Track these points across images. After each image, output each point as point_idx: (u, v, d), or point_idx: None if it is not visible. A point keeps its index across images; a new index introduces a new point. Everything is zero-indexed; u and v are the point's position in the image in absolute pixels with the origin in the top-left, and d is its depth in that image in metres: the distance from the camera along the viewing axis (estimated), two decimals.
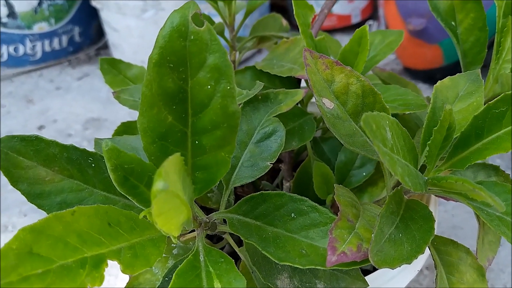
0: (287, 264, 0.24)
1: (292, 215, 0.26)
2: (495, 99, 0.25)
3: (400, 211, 0.26)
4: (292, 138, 0.35)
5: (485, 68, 0.36)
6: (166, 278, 0.27)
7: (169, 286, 0.23)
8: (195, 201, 0.35)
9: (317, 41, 0.35)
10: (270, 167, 0.31)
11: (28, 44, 1.01)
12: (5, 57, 1.02)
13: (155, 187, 0.18)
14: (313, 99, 0.42)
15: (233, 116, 0.22)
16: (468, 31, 0.36)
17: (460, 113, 0.29)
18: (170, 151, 0.23)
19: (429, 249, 0.29)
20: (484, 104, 0.28)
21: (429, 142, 0.25)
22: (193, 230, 0.29)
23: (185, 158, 0.24)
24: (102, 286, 0.22)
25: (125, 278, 0.42)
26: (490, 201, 0.21)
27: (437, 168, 0.27)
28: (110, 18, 0.91)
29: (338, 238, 0.23)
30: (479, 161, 0.33)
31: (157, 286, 0.28)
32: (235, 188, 0.40)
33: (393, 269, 0.23)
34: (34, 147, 0.26)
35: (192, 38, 0.21)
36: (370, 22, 0.95)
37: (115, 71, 0.44)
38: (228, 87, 0.22)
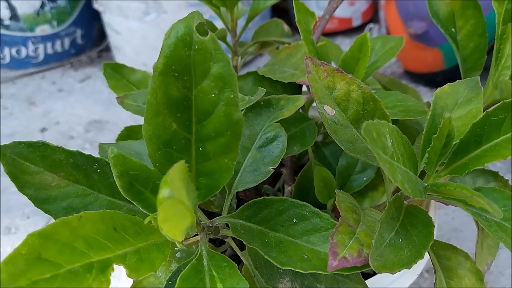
0: (289, 268, 0.25)
1: (294, 220, 0.27)
2: (494, 106, 0.25)
3: (400, 216, 0.26)
4: (294, 143, 0.35)
5: (485, 71, 0.36)
6: (170, 282, 0.28)
7: None
8: (198, 206, 0.36)
9: (318, 48, 0.35)
10: (272, 172, 0.31)
11: (31, 47, 1.02)
12: (7, 59, 1.02)
13: (161, 195, 0.19)
14: (314, 104, 0.43)
15: (237, 124, 0.23)
16: (468, 38, 0.36)
17: (459, 120, 0.29)
18: (174, 158, 0.24)
19: (429, 254, 0.29)
20: (483, 110, 0.29)
21: (428, 149, 0.25)
22: (196, 234, 0.30)
23: (189, 165, 0.25)
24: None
25: (128, 280, 0.42)
26: (488, 208, 0.21)
27: (436, 174, 0.28)
28: (112, 20, 0.92)
29: (339, 243, 0.24)
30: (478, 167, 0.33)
31: None
32: (237, 192, 0.40)
33: (393, 274, 0.24)
34: (41, 153, 0.27)
35: (196, 47, 0.22)
36: (371, 25, 0.96)
37: (119, 76, 0.44)
38: (232, 96, 0.22)
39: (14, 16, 1.00)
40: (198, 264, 0.26)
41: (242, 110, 0.34)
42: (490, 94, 0.35)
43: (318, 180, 0.36)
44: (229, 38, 0.43)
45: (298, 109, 0.40)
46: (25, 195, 0.26)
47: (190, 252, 0.34)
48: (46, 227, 0.22)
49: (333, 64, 0.36)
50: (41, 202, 0.27)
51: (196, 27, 0.23)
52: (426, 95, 0.84)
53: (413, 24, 0.78)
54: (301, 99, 0.34)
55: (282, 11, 1.04)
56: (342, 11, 1.01)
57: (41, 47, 1.03)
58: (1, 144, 0.26)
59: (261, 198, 0.28)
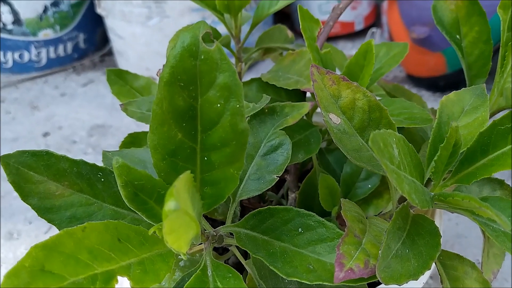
0: (295, 279, 0.25)
1: (299, 230, 0.26)
2: (501, 116, 0.25)
3: (407, 226, 0.26)
4: (298, 151, 0.35)
5: (491, 76, 0.36)
6: None
7: None
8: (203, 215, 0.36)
9: (322, 55, 0.35)
10: (277, 180, 0.31)
11: (33, 51, 1.02)
12: (10, 63, 1.02)
13: (167, 207, 0.18)
14: (318, 110, 0.43)
15: (242, 134, 0.23)
16: (473, 44, 0.36)
17: (465, 128, 0.29)
18: (179, 168, 0.24)
19: (435, 263, 0.29)
20: (489, 118, 0.28)
21: (435, 158, 0.25)
22: (201, 243, 0.29)
23: (194, 174, 0.24)
24: None
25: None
26: (496, 219, 0.21)
27: (443, 183, 0.27)
28: (115, 25, 0.92)
29: (345, 254, 0.24)
30: None
31: None
32: (241, 199, 0.40)
33: (400, 285, 0.23)
34: (45, 162, 0.26)
35: (202, 57, 0.21)
36: (374, 29, 0.96)
37: (122, 82, 0.44)
38: (238, 106, 0.22)
39: (17, 21, 1.00)
40: (203, 275, 0.25)
41: (246, 118, 0.34)
42: (495, 102, 0.35)
43: (322, 187, 0.35)
44: (232, 44, 0.43)
45: (302, 116, 0.40)
46: (28, 204, 0.26)
47: (194, 260, 0.34)
48: (50, 239, 0.21)
49: (337, 71, 0.36)
50: (45, 211, 0.27)
51: (202, 36, 0.22)
52: (429, 99, 0.84)
53: (416, 28, 0.78)
54: (306, 107, 0.34)
55: (284, 16, 1.04)
56: (345, 15, 1.01)
57: (43, 52, 1.03)
58: (5, 150, 0.26)
59: (266, 207, 0.28)
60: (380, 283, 0.32)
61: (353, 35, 1.03)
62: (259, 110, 0.33)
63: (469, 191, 0.31)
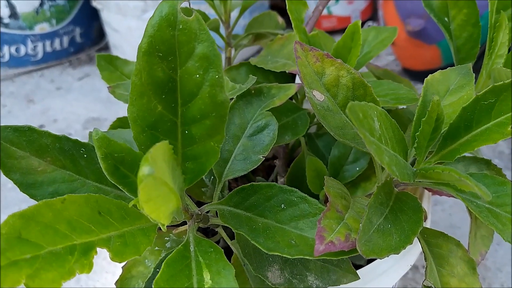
0: (276, 254, 0.24)
1: (282, 206, 0.26)
2: (484, 90, 0.25)
3: (390, 202, 0.26)
4: (285, 133, 0.35)
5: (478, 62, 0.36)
6: (158, 269, 0.27)
7: (158, 275, 0.23)
8: (188, 195, 0.36)
9: (310, 37, 0.35)
10: (263, 160, 0.31)
11: (30, 45, 1.02)
12: (6, 57, 1.02)
13: (141, 172, 0.18)
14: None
15: (222, 105, 0.23)
16: (461, 27, 0.36)
17: (450, 107, 0.29)
18: (160, 141, 0.24)
19: (420, 242, 0.29)
20: None
21: (417, 133, 0.25)
22: (185, 222, 0.29)
23: (175, 148, 0.24)
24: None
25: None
26: (476, 190, 0.21)
27: (427, 160, 0.27)
28: (110, 18, 0.92)
29: (326, 227, 0.23)
30: (470, 155, 0.33)
31: (147, 278, 0.28)
32: (229, 183, 0.40)
33: (381, 259, 0.23)
34: (27, 137, 0.26)
35: (181, 27, 0.21)
36: (370, 23, 0.96)
37: (112, 68, 0.44)
38: (217, 76, 0.22)
39: (13, 15, 1.00)
40: (185, 250, 0.25)
41: (232, 99, 0.34)
42: (484, 84, 0.35)
43: (310, 170, 0.35)
44: (222, 30, 0.43)
45: (291, 100, 0.40)
46: (11, 179, 0.26)
47: (180, 242, 0.34)
48: (28, 208, 0.21)
49: None
50: (27, 187, 0.26)
51: (182, 11, 0.22)
52: None
53: (411, 21, 0.78)
54: (293, 88, 0.33)
55: (280, 11, 1.04)
56: (341, 10, 1.01)
57: (40, 46, 1.03)
58: None
59: (249, 184, 0.28)
60: (365, 265, 0.32)
61: None
62: (246, 91, 0.33)
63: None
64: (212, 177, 0.37)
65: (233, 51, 0.44)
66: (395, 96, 0.32)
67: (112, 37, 0.96)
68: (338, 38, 0.35)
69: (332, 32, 1.03)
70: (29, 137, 0.26)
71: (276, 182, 0.41)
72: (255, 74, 0.39)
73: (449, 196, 0.34)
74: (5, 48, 1.02)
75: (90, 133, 0.33)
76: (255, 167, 0.31)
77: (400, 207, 0.26)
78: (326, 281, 0.27)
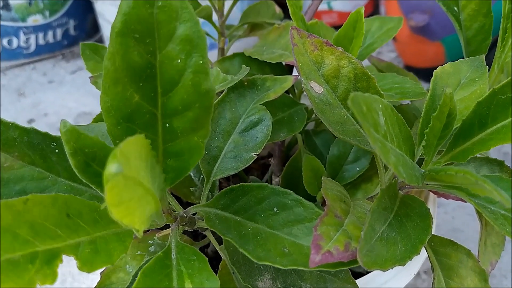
0: (267, 264, 0.22)
1: (275, 209, 0.24)
2: (501, 83, 0.22)
3: (394, 207, 0.23)
4: (281, 129, 0.32)
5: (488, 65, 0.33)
6: (136, 278, 0.25)
7: (133, 286, 0.21)
8: (174, 195, 0.33)
9: (309, 25, 0.32)
10: (255, 158, 0.28)
11: (22, 37, 0.99)
12: None
13: (107, 171, 0.16)
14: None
15: (207, 95, 0.20)
16: (472, 17, 0.33)
17: (462, 102, 0.26)
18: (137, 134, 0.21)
19: (426, 250, 0.27)
20: None
21: (427, 130, 0.22)
22: (168, 225, 0.27)
23: (155, 143, 0.22)
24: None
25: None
26: (495, 195, 0.18)
27: (436, 161, 0.25)
28: (104, 10, 0.89)
29: (323, 235, 0.21)
30: (482, 156, 0.30)
31: (126, 285, 0.26)
32: (220, 182, 0.38)
33: (384, 271, 0.21)
34: None
35: (160, 4, 0.19)
36: None
37: (98, 58, 0.41)
38: (201, 62, 0.19)
39: (5, 6, 0.97)
40: (165, 258, 0.23)
41: (223, 91, 0.31)
42: (495, 78, 0.32)
43: (307, 170, 0.33)
44: (215, 19, 0.40)
45: (288, 94, 0.37)
46: None
47: (165, 246, 0.31)
48: None
49: None
50: None
51: None
52: None
53: (415, 16, 0.75)
54: (289, 80, 0.31)
55: (280, 5, 1.02)
56: (343, 5, 0.98)
57: (32, 38, 1.00)
58: None
59: (238, 184, 0.25)
60: (365, 273, 0.29)
61: None
62: (238, 83, 0.30)
63: None
64: (202, 176, 0.34)
65: (227, 42, 0.41)
66: (401, 90, 0.29)
67: (107, 30, 0.93)
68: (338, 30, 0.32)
69: (333, 27, 1.00)
70: None
71: (271, 181, 0.39)
72: (249, 65, 0.36)
73: (456, 200, 0.31)
74: None
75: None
76: (246, 165, 0.28)
77: (406, 213, 0.23)
78: None
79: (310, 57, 0.25)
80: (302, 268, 0.22)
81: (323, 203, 0.34)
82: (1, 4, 0.97)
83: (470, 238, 0.59)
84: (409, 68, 0.85)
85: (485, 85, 0.26)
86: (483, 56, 0.28)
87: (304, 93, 0.40)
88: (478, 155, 0.29)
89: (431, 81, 0.26)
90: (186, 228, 0.28)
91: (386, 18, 0.37)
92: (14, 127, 0.24)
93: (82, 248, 0.20)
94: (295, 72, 0.38)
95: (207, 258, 0.22)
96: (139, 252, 0.30)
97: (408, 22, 0.77)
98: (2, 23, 0.98)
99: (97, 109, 0.86)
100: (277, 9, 0.43)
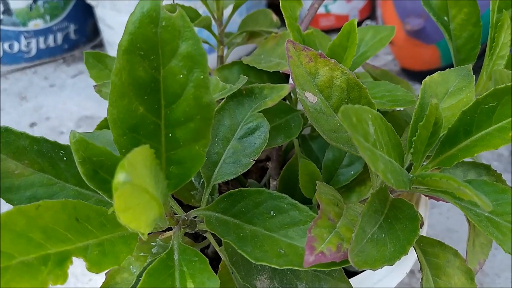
0: (264, 264, 0.23)
1: (272, 213, 0.25)
2: (485, 93, 0.24)
3: (385, 210, 0.25)
4: (278, 135, 0.33)
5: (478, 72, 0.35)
6: (140, 278, 0.26)
7: (138, 286, 0.22)
8: (175, 199, 0.34)
9: (305, 35, 0.34)
10: (253, 163, 0.30)
11: (23, 41, 1.00)
12: (0, 54, 1.01)
13: (116, 180, 0.17)
14: None
15: (207, 108, 0.21)
16: (462, 27, 0.35)
17: (449, 110, 0.27)
18: (142, 144, 0.22)
19: (415, 251, 0.28)
20: None
21: (414, 138, 0.24)
22: (171, 228, 0.28)
23: (159, 152, 0.23)
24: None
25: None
26: (476, 199, 0.20)
27: (423, 166, 0.26)
28: (105, 15, 0.90)
29: (317, 237, 0.22)
30: (470, 160, 0.31)
31: (131, 286, 0.27)
32: (220, 186, 0.39)
33: (374, 270, 0.22)
34: (4, 139, 0.25)
35: (163, 24, 0.20)
36: (368, 22, 0.94)
37: (101, 66, 0.43)
38: (202, 77, 0.21)
39: (7, 11, 0.99)
40: (168, 259, 0.24)
41: (223, 99, 0.32)
42: (484, 86, 0.34)
43: (303, 174, 0.34)
44: (214, 27, 0.42)
45: (285, 101, 0.38)
46: None
47: (167, 247, 0.32)
48: (0, 215, 0.20)
49: None
50: (4, 191, 0.25)
51: (167, 8, 0.21)
52: None
53: (410, 20, 0.77)
54: (286, 88, 0.32)
55: (278, 10, 1.03)
56: (339, 8, 1.00)
57: (33, 42, 1.01)
58: None
59: (237, 189, 0.26)
60: (358, 273, 0.31)
61: None
62: (237, 91, 0.32)
63: (453, 175, 0.30)
64: (202, 180, 0.35)
65: (225, 50, 0.42)
66: (392, 98, 0.30)
67: (107, 34, 0.94)
68: (335, 37, 0.33)
69: (329, 31, 1.01)
70: (6, 138, 0.25)
71: (269, 184, 0.40)
72: (247, 73, 0.37)
73: (446, 202, 0.33)
74: None
75: (72, 133, 0.32)
76: (245, 170, 0.30)
77: (396, 215, 0.25)
78: None
79: (305, 68, 0.26)
80: (297, 268, 0.23)
81: (318, 206, 0.36)
82: (2, 8, 0.98)
83: (464, 238, 0.60)
84: (405, 71, 0.86)
85: (471, 93, 0.28)
86: (470, 65, 0.29)
87: None
88: (466, 160, 0.30)
89: (420, 90, 0.27)
90: (187, 231, 0.29)
91: (380, 27, 0.38)
92: (24, 136, 0.25)
93: (91, 250, 0.22)
94: (291, 80, 0.40)
95: (207, 259, 0.24)
96: (142, 254, 0.32)
97: (404, 26, 0.78)
98: (3, 27, 0.99)
99: (98, 113, 0.87)
100: (275, 18, 0.44)
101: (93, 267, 0.21)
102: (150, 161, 0.21)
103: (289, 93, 0.38)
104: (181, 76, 0.21)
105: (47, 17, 0.99)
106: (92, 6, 0.94)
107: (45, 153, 0.25)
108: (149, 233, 0.31)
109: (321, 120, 0.26)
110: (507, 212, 0.24)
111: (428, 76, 0.28)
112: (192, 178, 0.35)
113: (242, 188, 0.26)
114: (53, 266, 0.20)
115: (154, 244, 0.32)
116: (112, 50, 0.95)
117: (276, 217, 0.25)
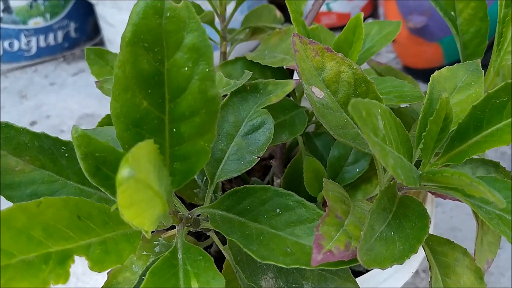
0: (271, 263, 0.23)
1: (278, 210, 0.25)
2: (496, 88, 0.23)
3: (393, 207, 0.24)
4: (282, 132, 0.33)
5: (484, 68, 0.34)
6: (143, 277, 0.26)
7: (142, 286, 0.21)
8: (178, 197, 0.34)
9: (309, 30, 0.33)
10: (258, 160, 0.29)
11: (23, 40, 1.00)
12: (0, 52, 1.00)
13: (120, 175, 0.17)
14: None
15: (213, 101, 0.21)
16: (469, 22, 0.34)
17: (458, 105, 0.27)
18: (145, 139, 0.22)
19: (424, 249, 0.27)
20: None
21: (424, 133, 0.23)
22: (174, 226, 0.28)
23: (162, 147, 0.22)
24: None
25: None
26: (489, 196, 0.19)
27: (433, 163, 0.25)
28: (105, 13, 0.90)
29: (324, 235, 0.22)
30: (478, 157, 0.31)
31: (134, 285, 0.26)
32: (223, 184, 0.38)
33: (383, 269, 0.21)
34: (4, 134, 0.24)
35: (168, 15, 0.19)
36: (370, 20, 0.94)
37: (102, 62, 0.42)
38: (207, 69, 0.20)
39: (7, 9, 0.98)
40: (172, 258, 0.23)
41: (226, 95, 0.32)
42: (491, 82, 0.33)
43: (308, 171, 0.33)
44: (218, 24, 0.41)
45: (289, 97, 0.38)
46: None
47: (170, 246, 0.32)
48: (1, 212, 0.20)
49: None
50: (4, 188, 0.25)
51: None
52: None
53: (413, 17, 0.76)
54: (291, 84, 0.32)
55: (279, 7, 1.02)
56: (341, 7, 0.99)
57: (33, 40, 1.00)
58: None
59: (242, 186, 0.26)
60: (365, 272, 0.30)
61: None
62: (241, 87, 0.31)
63: None
64: (205, 177, 0.35)
65: (228, 46, 0.42)
66: (399, 93, 0.30)
67: (107, 32, 0.94)
68: (338, 34, 0.33)
69: (331, 29, 1.01)
70: (6, 134, 0.24)
71: (272, 183, 0.39)
72: (251, 69, 0.37)
73: (453, 200, 0.32)
74: None
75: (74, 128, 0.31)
76: (249, 168, 0.29)
77: (404, 213, 0.24)
78: None
79: (311, 63, 0.26)
80: (304, 267, 0.22)
81: (324, 204, 0.35)
82: (2, 6, 0.98)
83: (468, 237, 0.60)
84: (407, 69, 0.86)
85: (480, 88, 0.27)
86: (479, 60, 0.28)
87: (305, 96, 0.40)
88: (474, 157, 0.30)
89: (428, 85, 0.27)
90: (191, 229, 0.29)
91: (385, 22, 0.38)
92: (25, 132, 0.25)
93: (93, 248, 0.21)
94: (296, 76, 0.39)
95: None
96: (144, 253, 0.31)
97: (407, 24, 0.78)
98: (3, 25, 0.98)
99: (99, 111, 0.86)
100: (278, 13, 0.44)
101: (96, 266, 0.21)
102: (154, 157, 0.20)
103: (293, 90, 0.38)
104: (186, 68, 0.20)
105: (48, 15, 0.99)
106: (92, 4, 0.93)
107: (46, 150, 0.25)
108: (152, 232, 0.31)
109: (328, 115, 0.25)
110: None
111: (436, 71, 0.28)
112: (195, 176, 0.35)
113: (247, 185, 0.26)
114: (55, 265, 0.20)
115: (156, 243, 0.32)
116: (113, 48, 0.94)
117: (282, 215, 0.24)
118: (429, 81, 0.79)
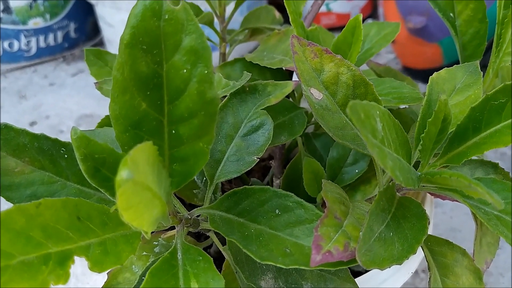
0: (270, 263, 0.23)
1: (277, 211, 0.25)
2: (495, 89, 0.23)
3: (392, 208, 0.24)
4: (282, 133, 0.33)
5: (483, 69, 0.34)
6: (143, 277, 0.26)
7: (142, 286, 0.21)
8: (178, 197, 0.34)
9: (308, 32, 0.33)
10: (257, 161, 0.29)
11: (23, 40, 1.00)
12: (0, 52, 1.00)
13: (119, 177, 0.17)
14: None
15: (211, 103, 0.21)
16: (468, 23, 0.34)
17: (457, 107, 0.27)
18: (144, 141, 0.22)
19: (423, 250, 0.27)
20: None
21: (422, 135, 0.23)
22: (174, 227, 0.28)
23: (161, 149, 0.23)
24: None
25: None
26: (487, 197, 0.19)
27: (431, 164, 0.25)
28: (105, 13, 0.90)
29: (323, 236, 0.22)
30: (477, 158, 0.31)
31: (133, 285, 0.26)
32: (222, 184, 0.38)
33: (382, 270, 0.21)
34: (3, 136, 0.24)
35: (166, 17, 0.19)
36: (370, 20, 0.94)
37: (101, 63, 0.42)
38: (206, 72, 0.20)
39: (6, 9, 0.98)
40: (172, 258, 0.24)
41: (225, 96, 0.32)
42: (490, 83, 0.33)
43: (307, 172, 0.33)
44: (217, 25, 0.41)
45: (288, 98, 0.38)
46: None
47: (170, 246, 0.32)
48: (0, 213, 0.20)
49: None
50: (4, 189, 0.25)
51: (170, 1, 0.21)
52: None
53: (412, 18, 0.76)
54: (290, 85, 0.32)
55: (279, 8, 1.02)
56: (341, 7, 0.99)
57: (33, 41, 1.00)
58: None
59: (242, 187, 0.26)
60: (365, 272, 0.30)
61: None
62: (240, 88, 0.31)
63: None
64: (204, 178, 0.35)
65: (228, 47, 0.42)
66: (398, 95, 0.30)
67: (107, 32, 0.94)
68: (337, 35, 0.33)
69: (331, 29, 1.01)
70: (6, 135, 0.24)
71: (272, 183, 0.39)
72: (250, 70, 0.37)
73: (452, 200, 0.32)
74: None
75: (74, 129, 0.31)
76: (248, 168, 0.29)
77: (403, 214, 0.24)
78: None
79: (310, 64, 0.26)
80: (303, 268, 0.23)
81: (323, 205, 0.35)
82: (2, 7, 0.98)
83: (468, 238, 0.60)
84: (407, 69, 0.86)
85: (479, 90, 0.27)
86: (478, 62, 0.29)
87: (304, 96, 0.41)
88: (473, 158, 0.30)
89: (427, 86, 0.27)
90: (190, 230, 0.29)
91: (384, 23, 0.38)
92: (25, 133, 0.25)
93: (93, 249, 0.21)
94: (295, 77, 0.39)
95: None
96: (144, 253, 0.31)
97: (406, 24, 0.78)
98: (3, 26, 0.98)
99: (98, 111, 0.86)
100: (277, 14, 0.44)
101: (95, 266, 0.21)
102: (153, 158, 0.20)
103: (293, 91, 0.38)
104: (185, 71, 0.20)
105: (47, 16, 0.99)
106: (92, 4, 0.93)
107: (45, 151, 0.25)
108: (151, 232, 0.31)
109: (327, 117, 0.25)
110: None
111: (435, 72, 0.28)
112: (195, 177, 0.35)
113: (246, 186, 0.26)
114: (54, 266, 0.20)
115: (156, 243, 0.32)
116: (112, 48, 0.94)
117: (281, 216, 0.24)
118: (428, 81, 0.78)
